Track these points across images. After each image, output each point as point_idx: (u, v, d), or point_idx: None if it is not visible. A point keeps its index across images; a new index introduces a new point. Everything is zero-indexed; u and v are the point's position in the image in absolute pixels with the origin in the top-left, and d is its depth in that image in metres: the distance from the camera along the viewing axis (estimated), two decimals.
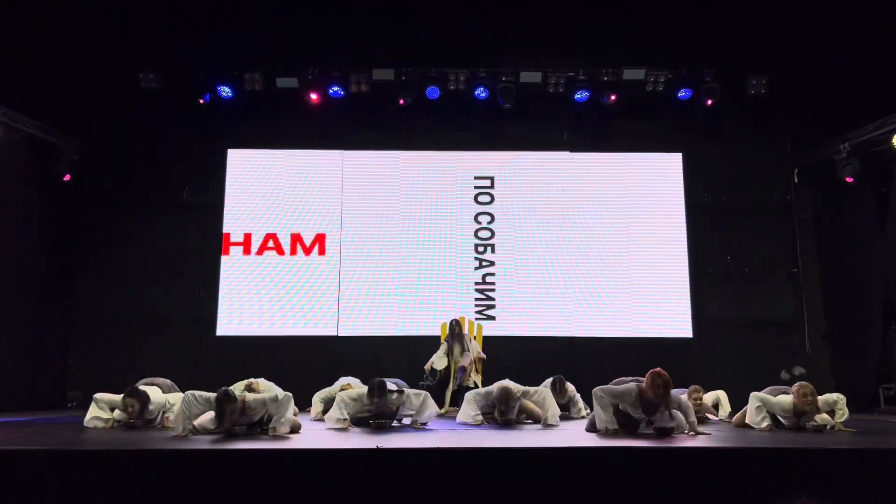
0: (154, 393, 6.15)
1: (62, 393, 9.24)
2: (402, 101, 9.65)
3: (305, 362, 9.13)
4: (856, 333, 9.36)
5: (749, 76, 9.65)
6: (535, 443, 4.67)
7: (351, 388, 6.66)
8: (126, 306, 9.54)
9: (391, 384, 5.97)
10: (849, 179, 9.16)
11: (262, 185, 10.02)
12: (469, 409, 6.45)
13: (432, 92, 9.61)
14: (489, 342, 8.72)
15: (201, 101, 9.63)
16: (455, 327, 8.19)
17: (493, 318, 9.58)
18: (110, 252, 9.71)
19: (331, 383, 7.42)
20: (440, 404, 7.82)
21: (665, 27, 9.42)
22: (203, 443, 4.55)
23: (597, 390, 5.37)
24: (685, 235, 9.98)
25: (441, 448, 4.11)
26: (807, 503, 3.72)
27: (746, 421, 5.88)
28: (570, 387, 7.41)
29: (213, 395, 5.10)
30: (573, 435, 5.33)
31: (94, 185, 9.75)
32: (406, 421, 6.06)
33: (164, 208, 9.90)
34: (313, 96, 9.63)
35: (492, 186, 10.09)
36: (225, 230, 9.86)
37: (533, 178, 10.12)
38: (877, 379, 8.87)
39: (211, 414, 5.14)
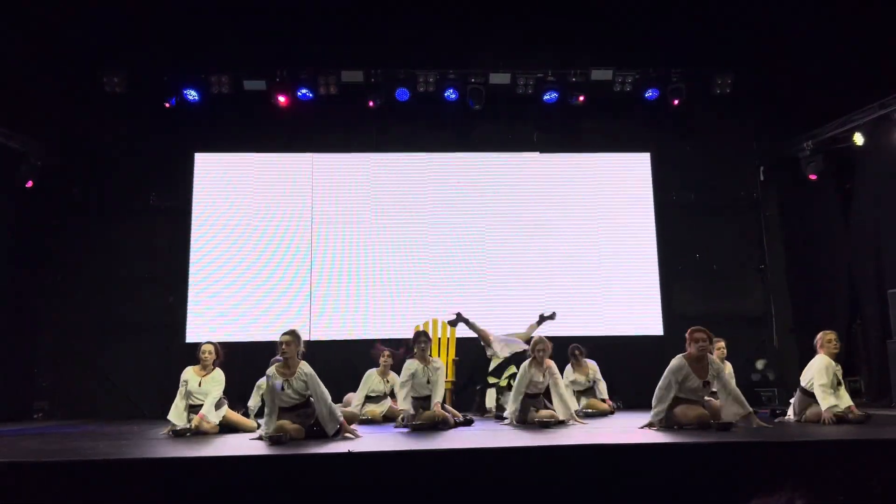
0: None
1: (27, 403, 9.05)
2: (371, 104, 9.61)
3: None
4: (822, 327, 9.49)
5: (714, 76, 9.80)
6: (513, 443, 4.67)
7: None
8: (93, 314, 9.36)
9: None
10: (812, 176, 9.35)
11: (231, 189, 9.91)
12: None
13: (402, 94, 9.59)
14: (462, 343, 8.72)
15: (167, 105, 9.49)
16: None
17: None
18: (76, 258, 9.52)
19: None
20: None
21: (632, 28, 9.55)
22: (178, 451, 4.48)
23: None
24: (654, 234, 10.10)
25: (410, 451, 4.10)
26: (788, 496, 3.74)
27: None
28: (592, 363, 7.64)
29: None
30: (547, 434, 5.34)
31: (58, 190, 9.55)
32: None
33: (131, 213, 9.74)
34: (281, 99, 9.55)
35: (462, 187, 10.12)
36: (193, 235, 9.74)
37: (503, 178, 10.16)
38: (842, 372, 9.03)
39: None
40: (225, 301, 9.59)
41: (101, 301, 9.41)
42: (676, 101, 9.74)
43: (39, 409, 8.98)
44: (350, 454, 3.97)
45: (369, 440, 5.00)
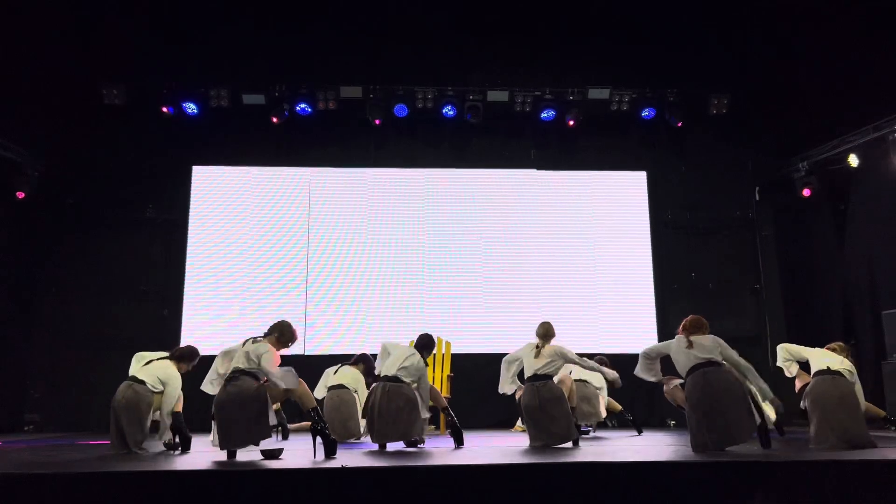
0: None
1: (18, 416, 8.98)
2: (377, 122, 9.67)
3: None
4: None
5: (710, 96, 9.88)
6: (493, 460, 4.65)
7: None
8: (86, 326, 9.30)
9: None
10: (805, 192, 9.44)
11: (228, 203, 9.92)
12: None
13: (400, 110, 9.65)
14: (457, 359, 8.69)
15: (165, 110, 9.50)
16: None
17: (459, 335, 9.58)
18: (71, 271, 9.49)
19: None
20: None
21: (629, 48, 9.63)
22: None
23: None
24: (650, 252, 10.12)
25: (405, 467, 4.08)
26: None
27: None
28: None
29: None
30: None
31: (54, 201, 9.54)
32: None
33: (128, 226, 9.73)
34: (273, 119, 9.59)
35: (459, 203, 10.15)
36: (189, 248, 9.73)
37: (500, 195, 10.19)
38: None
39: None
40: (220, 315, 9.56)
41: (94, 313, 9.36)
42: (673, 121, 9.82)
43: (31, 422, 8.92)
44: (343, 469, 3.95)
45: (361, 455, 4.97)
